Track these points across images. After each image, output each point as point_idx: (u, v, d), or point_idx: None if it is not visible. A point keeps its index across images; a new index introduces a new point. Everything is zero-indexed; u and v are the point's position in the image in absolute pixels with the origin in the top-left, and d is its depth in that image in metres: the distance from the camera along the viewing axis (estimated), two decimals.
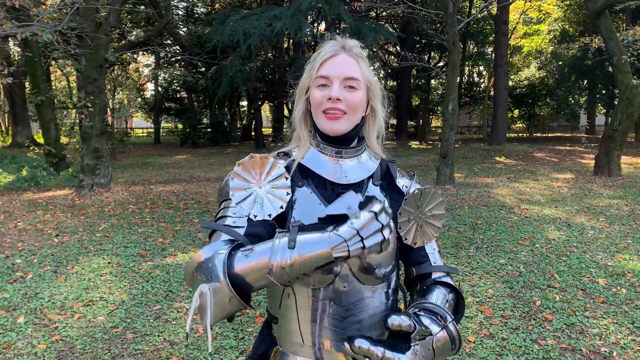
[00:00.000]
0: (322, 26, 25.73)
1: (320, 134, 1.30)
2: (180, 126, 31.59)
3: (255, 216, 1.21)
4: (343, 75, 1.24)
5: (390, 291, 1.31)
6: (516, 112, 35.83)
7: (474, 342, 3.64)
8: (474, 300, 4.46)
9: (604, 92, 28.88)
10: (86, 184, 10.20)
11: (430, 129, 38.44)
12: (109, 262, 5.63)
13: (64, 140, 14.96)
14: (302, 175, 1.29)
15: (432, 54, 32.22)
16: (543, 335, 3.76)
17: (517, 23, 29.46)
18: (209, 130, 28.18)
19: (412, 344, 1.09)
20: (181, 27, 26.59)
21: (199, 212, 8.48)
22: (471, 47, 32.77)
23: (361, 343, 1.07)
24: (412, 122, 32.95)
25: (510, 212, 8.22)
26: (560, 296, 4.53)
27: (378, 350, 1.05)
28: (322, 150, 1.29)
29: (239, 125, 34.28)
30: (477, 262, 5.54)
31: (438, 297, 1.28)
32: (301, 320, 1.25)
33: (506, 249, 6.05)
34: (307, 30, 13.29)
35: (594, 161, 13.14)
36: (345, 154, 1.29)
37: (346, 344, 1.10)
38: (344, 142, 1.29)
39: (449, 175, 11.23)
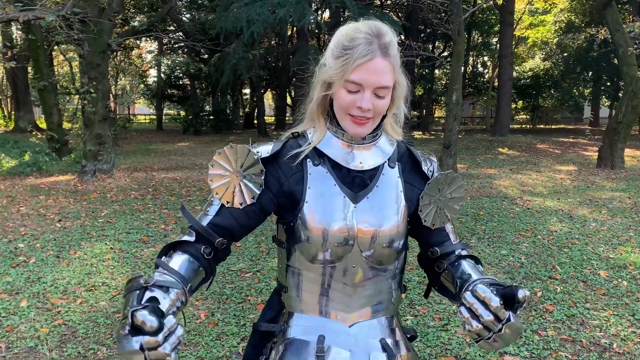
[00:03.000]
0: (327, 14, 25.60)
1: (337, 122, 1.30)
2: (182, 113, 31.55)
3: (227, 202, 1.27)
4: (376, 85, 1.19)
5: (397, 270, 1.37)
6: (520, 103, 35.66)
7: None
8: None
9: (608, 84, 28.71)
10: (89, 169, 10.20)
11: (434, 119, 38.31)
12: (111, 248, 5.64)
13: (66, 125, 14.94)
14: (319, 154, 1.30)
15: (436, 44, 32.02)
16: (544, 326, 3.77)
17: (523, 13, 29.24)
18: (211, 117, 28.13)
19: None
20: (184, 13, 26.42)
21: (201, 200, 8.49)
22: (476, 37, 32.54)
23: (481, 290, 1.06)
24: (415, 112, 32.84)
25: (512, 204, 8.21)
26: (562, 288, 4.53)
27: (495, 300, 1.04)
28: (337, 134, 1.30)
29: (241, 113, 34.21)
30: (479, 253, 5.54)
31: (478, 271, 1.30)
32: (307, 292, 1.32)
33: (508, 240, 6.05)
34: (311, 17, 13.18)
35: (597, 153, 13.10)
36: (359, 141, 1.30)
37: (467, 295, 1.08)
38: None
39: (451, 166, 11.21)
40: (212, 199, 1.31)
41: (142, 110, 52.45)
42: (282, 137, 1.37)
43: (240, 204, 1.27)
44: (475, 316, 1.05)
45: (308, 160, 1.29)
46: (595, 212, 7.60)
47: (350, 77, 1.18)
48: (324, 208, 1.25)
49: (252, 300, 4.22)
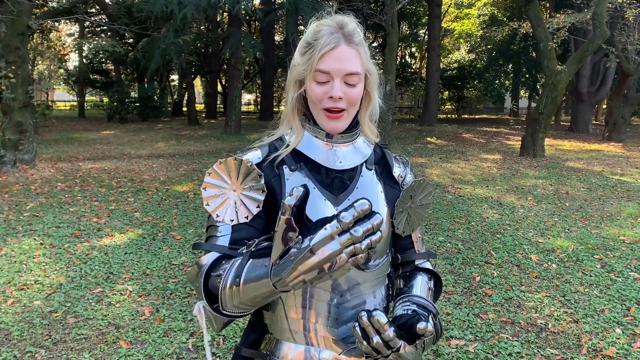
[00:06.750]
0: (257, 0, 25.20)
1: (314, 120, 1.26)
2: (106, 100, 30.18)
3: (232, 220, 1.20)
4: (344, 72, 1.17)
5: (383, 276, 1.32)
6: (446, 93, 36.88)
7: None
8: None
9: (527, 76, 30.27)
10: (8, 160, 9.56)
11: None
12: (41, 243, 5.33)
13: None
14: (295, 159, 1.25)
15: (366, 34, 32.38)
16: (484, 310, 3.94)
17: (449, 6, 30.13)
18: (137, 104, 27.07)
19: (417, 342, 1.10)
20: None
21: (134, 191, 8.17)
22: (404, 28, 33.22)
23: (380, 316, 1.02)
24: None
25: (444, 191, 8.50)
26: (498, 272, 4.75)
27: (390, 331, 1.02)
28: (315, 134, 1.26)
29: (169, 100, 33.21)
30: None
31: (423, 287, 1.34)
32: (290, 306, 1.23)
33: (444, 227, 6.26)
34: (244, 2, 12.94)
35: (519, 142, 13.80)
36: (339, 139, 1.26)
37: (363, 315, 1.03)
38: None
39: None
40: (215, 222, 1.22)
41: (62, 97, 49.72)
42: (264, 140, 1.33)
43: (247, 217, 1.20)
44: (367, 337, 1.03)
45: (284, 166, 1.25)
46: (522, 199, 8.01)
47: (318, 66, 1.16)
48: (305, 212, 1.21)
49: None
